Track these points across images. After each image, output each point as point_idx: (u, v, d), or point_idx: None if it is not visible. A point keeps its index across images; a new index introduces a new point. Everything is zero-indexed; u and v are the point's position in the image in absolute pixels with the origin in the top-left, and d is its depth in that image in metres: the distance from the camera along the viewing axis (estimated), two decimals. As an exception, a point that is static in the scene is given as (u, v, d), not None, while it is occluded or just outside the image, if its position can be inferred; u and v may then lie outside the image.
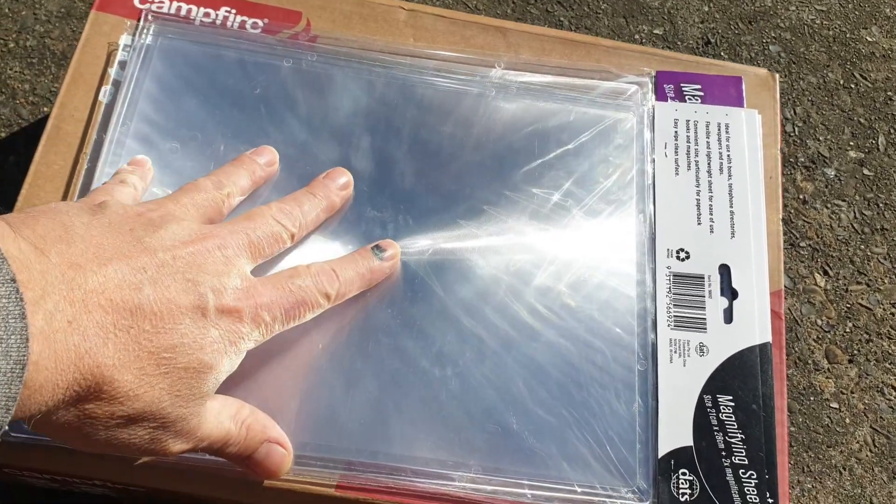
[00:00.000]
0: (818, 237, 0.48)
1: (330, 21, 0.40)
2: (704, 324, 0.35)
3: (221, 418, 0.28)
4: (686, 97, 0.39)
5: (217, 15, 0.39)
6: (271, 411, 0.31)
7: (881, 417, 0.44)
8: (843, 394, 0.44)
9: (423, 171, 0.37)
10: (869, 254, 0.48)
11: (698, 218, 0.37)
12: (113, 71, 0.37)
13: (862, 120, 0.52)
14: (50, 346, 0.22)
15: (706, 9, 0.54)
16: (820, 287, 0.47)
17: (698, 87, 0.40)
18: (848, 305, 0.46)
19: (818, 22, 0.55)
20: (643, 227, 0.36)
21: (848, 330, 0.46)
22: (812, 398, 0.44)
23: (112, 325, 0.23)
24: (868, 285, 0.47)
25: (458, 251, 0.35)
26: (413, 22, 0.40)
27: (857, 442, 0.43)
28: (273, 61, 0.38)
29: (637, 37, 0.52)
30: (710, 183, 0.38)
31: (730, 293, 0.35)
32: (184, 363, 0.25)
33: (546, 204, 0.36)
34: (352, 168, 0.36)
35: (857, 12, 0.56)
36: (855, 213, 0.49)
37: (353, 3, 0.40)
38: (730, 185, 0.38)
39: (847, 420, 0.44)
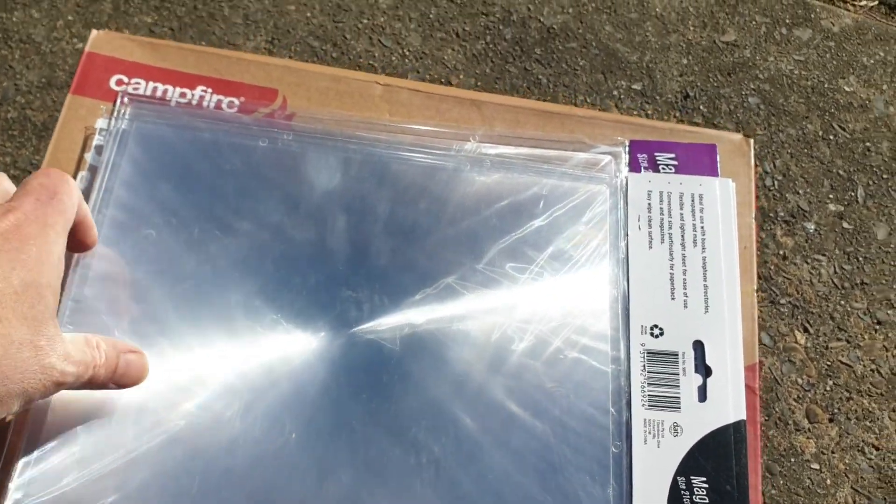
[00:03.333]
0: (798, 293, 0.48)
1: (306, 98, 0.40)
2: (679, 403, 0.35)
3: (80, 346, 0.29)
4: (660, 167, 0.40)
5: (193, 95, 0.39)
6: (245, 502, 0.31)
7: (862, 477, 0.44)
8: (823, 454, 0.44)
9: (399, 249, 0.37)
10: (849, 309, 0.48)
11: (672, 293, 0.37)
12: (89, 156, 0.37)
13: (841, 171, 0.52)
14: None
15: (685, 62, 0.54)
16: (800, 345, 0.47)
17: (672, 156, 0.40)
18: (828, 363, 0.47)
19: (796, 72, 0.55)
20: (618, 302, 0.37)
21: (828, 388, 0.46)
22: (793, 459, 0.44)
23: None
24: (848, 342, 0.47)
25: (433, 331, 0.35)
26: (388, 97, 0.41)
27: (838, 503, 0.43)
28: (248, 142, 0.38)
29: (616, 92, 0.53)
30: (683, 256, 0.38)
31: (703, 370, 0.35)
32: (10, 288, 0.26)
33: (521, 280, 0.37)
34: (326, 248, 0.36)
35: (834, 62, 0.56)
36: (835, 267, 0.49)
37: (329, 79, 0.41)
38: (703, 258, 0.38)
39: (828, 481, 0.44)
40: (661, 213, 0.39)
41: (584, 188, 0.39)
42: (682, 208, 0.39)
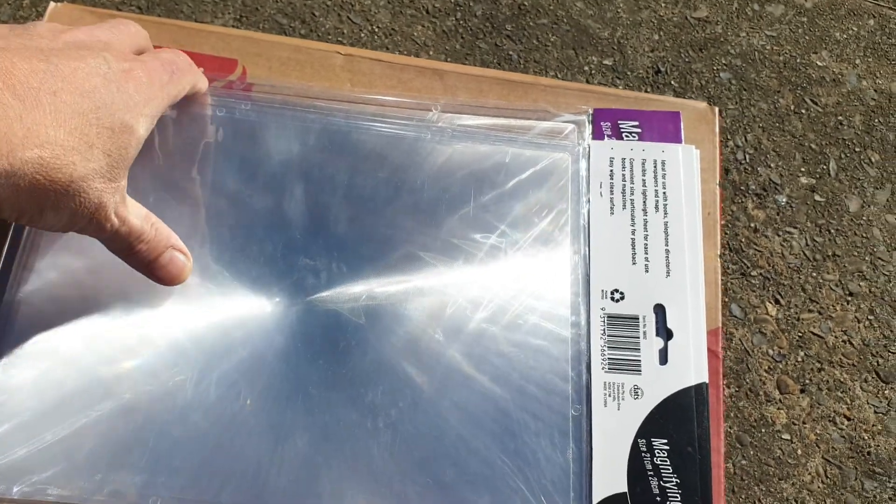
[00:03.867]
0: (769, 265, 0.48)
1: (266, 68, 0.40)
2: (639, 366, 0.34)
3: (136, 211, 0.30)
4: (623, 134, 0.39)
5: (152, 65, 0.39)
6: (198, 469, 0.31)
7: (833, 447, 0.44)
8: (794, 425, 0.44)
9: (358, 218, 0.37)
10: (821, 281, 0.48)
11: (633, 258, 0.37)
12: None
13: (813, 145, 0.52)
14: None
15: (656, 37, 0.54)
16: (771, 316, 0.47)
17: (636, 123, 0.40)
18: (800, 334, 0.46)
19: (768, 47, 0.55)
20: (578, 268, 0.36)
21: (799, 359, 0.46)
22: (764, 430, 0.44)
23: (35, 89, 0.25)
24: (820, 313, 0.47)
25: (392, 298, 0.35)
26: (350, 66, 0.40)
27: (809, 473, 0.43)
28: (205, 111, 0.38)
29: (587, 68, 0.52)
30: (645, 221, 0.37)
31: (665, 333, 0.35)
32: (108, 123, 0.27)
33: (482, 248, 0.36)
34: (285, 216, 0.36)
35: (807, 37, 0.56)
36: (807, 239, 0.49)
37: (290, 49, 0.40)
38: (665, 223, 0.38)
39: (799, 451, 0.44)
40: (623, 180, 0.38)
41: (546, 156, 0.39)
42: (644, 174, 0.39)
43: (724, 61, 0.54)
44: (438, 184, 0.38)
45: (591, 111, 0.40)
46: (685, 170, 0.39)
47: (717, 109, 0.42)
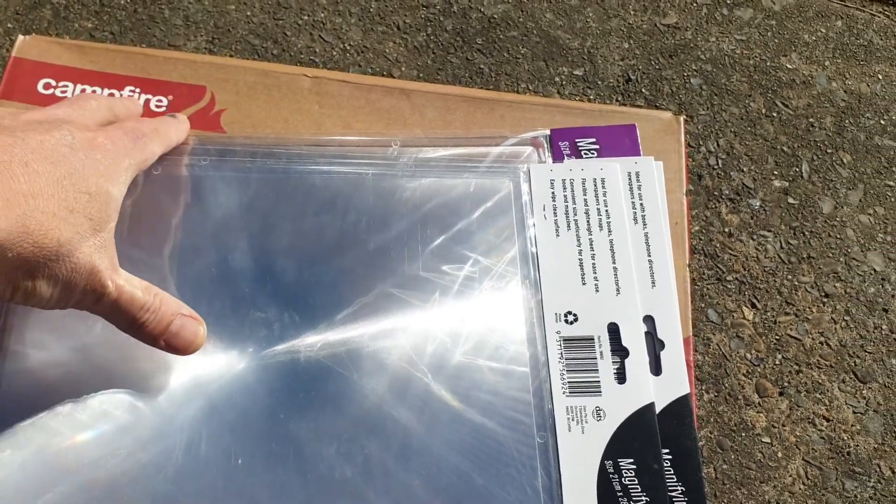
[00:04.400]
0: (745, 270, 0.48)
1: (234, 93, 0.40)
2: (599, 387, 0.34)
3: (134, 282, 0.30)
4: (582, 153, 0.40)
5: (122, 95, 0.39)
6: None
7: (813, 449, 0.44)
8: (774, 427, 0.45)
9: (326, 262, 0.36)
10: (796, 283, 0.48)
11: (583, 278, 0.36)
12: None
13: (785, 148, 0.52)
14: None
15: (626, 45, 0.55)
16: (748, 320, 0.47)
17: (593, 140, 0.40)
18: (777, 337, 0.47)
19: (738, 52, 0.55)
20: (530, 293, 0.36)
21: (777, 362, 0.46)
22: (743, 434, 0.44)
23: (7, 162, 0.25)
24: (797, 315, 0.47)
25: (346, 342, 0.34)
26: (317, 89, 0.41)
27: (790, 475, 0.43)
28: (174, 170, 0.37)
29: (557, 79, 0.53)
30: (590, 241, 0.37)
31: (620, 352, 0.35)
32: (84, 188, 0.27)
33: (435, 284, 0.36)
34: (241, 267, 0.35)
35: (776, 40, 0.56)
36: (781, 242, 0.49)
37: (257, 74, 0.41)
38: (610, 241, 0.37)
39: (779, 454, 0.44)
40: (566, 201, 0.38)
41: (500, 183, 0.39)
42: (585, 193, 0.39)
43: (694, 67, 0.55)
44: (392, 224, 0.37)
45: (548, 132, 0.40)
46: (647, 182, 0.39)
47: (682, 119, 0.42)
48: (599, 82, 0.53)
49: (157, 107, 0.39)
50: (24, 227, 0.25)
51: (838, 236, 0.50)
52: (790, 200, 0.51)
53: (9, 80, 0.39)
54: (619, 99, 0.53)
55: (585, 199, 0.38)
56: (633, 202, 0.39)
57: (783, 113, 0.54)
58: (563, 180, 0.38)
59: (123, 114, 0.36)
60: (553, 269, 0.36)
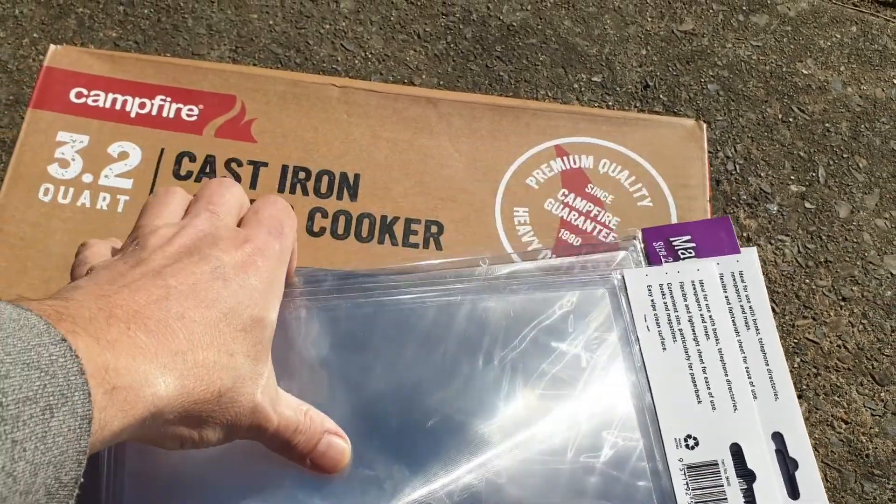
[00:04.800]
0: (763, 274, 0.49)
1: (264, 102, 0.41)
2: None
3: (289, 402, 0.28)
4: (679, 252, 0.35)
5: (152, 104, 0.40)
6: None
7: (832, 451, 0.45)
8: (793, 430, 0.45)
9: (421, 403, 0.32)
10: (814, 287, 0.49)
11: (697, 395, 0.32)
12: (52, 168, 0.38)
13: (801, 153, 0.53)
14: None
15: (644, 52, 0.55)
16: (767, 324, 0.48)
17: (688, 238, 0.35)
18: (795, 341, 0.47)
19: (755, 58, 0.56)
20: (647, 419, 0.32)
21: (796, 365, 0.47)
22: (763, 436, 0.45)
23: (163, 320, 0.24)
24: (814, 319, 0.48)
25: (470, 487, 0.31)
26: (345, 98, 0.41)
27: (810, 477, 0.44)
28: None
29: (576, 86, 0.53)
30: (699, 352, 0.33)
31: (747, 476, 0.31)
32: (240, 325, 0.26)
33: (548, 405, 0.32)
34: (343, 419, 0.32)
35: (792, 46, 0.57)
36: (799, 247, 0.50)
37: (286, 84, 0.41)
38: (720, 350, 0.33)
39: (799, 456, 0.44)
40: (667, 309, 0.34)
41: (595, 293, 0.34)
42: (685, 299, 0.34)
43: (711, 73, 0.55)
44: (491, 344, 0.33)
45: (639, 233, 0.37)
46: (748, 277, 0.34)
47: (704, 125, 0.43)
48: (618, 88, 0.54)
49: (188, 115, 0.40)
50: (183, 386, 0.24)
51: (855, 240, 0.50)
52: (807, 205, 0.51)
53: (42, 89, 0.40)
54: (638, 105, 0.53)
55: (687, 306, 0.33)
56: (741, 306, 0.34)
57: (799, 118, 0.54)
58: (661, 285, 0.35)
59: (238, 191, 0.31)
60: (665, 388, 0.32)
